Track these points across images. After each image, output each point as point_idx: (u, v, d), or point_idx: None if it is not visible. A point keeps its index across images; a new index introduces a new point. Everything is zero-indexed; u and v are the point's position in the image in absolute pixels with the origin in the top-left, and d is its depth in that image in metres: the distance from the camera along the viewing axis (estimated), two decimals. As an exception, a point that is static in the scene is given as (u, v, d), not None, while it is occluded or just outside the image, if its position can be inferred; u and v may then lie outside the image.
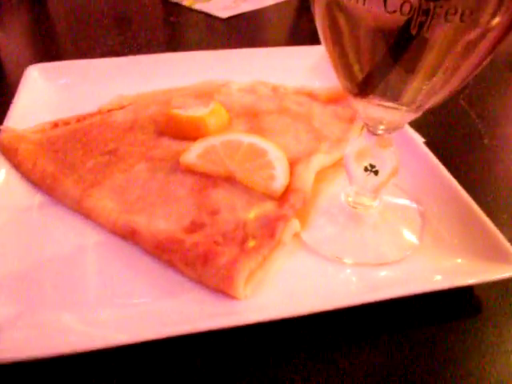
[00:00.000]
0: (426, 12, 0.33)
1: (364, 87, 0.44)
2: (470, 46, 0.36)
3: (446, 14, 0.33)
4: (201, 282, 0.48)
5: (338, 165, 0.65)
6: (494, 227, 0.53)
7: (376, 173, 0.52)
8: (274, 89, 0.82)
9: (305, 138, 0.68)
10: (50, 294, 0.48)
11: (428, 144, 0.68)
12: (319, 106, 0.76)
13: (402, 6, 0.33)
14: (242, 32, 1.19)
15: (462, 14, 0.33)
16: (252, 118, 0.72)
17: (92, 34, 1.13)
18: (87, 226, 0.56)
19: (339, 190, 0.60)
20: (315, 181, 0.60)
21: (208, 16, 1.25)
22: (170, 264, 0.50)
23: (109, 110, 0.75)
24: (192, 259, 0.49)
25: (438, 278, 0.50)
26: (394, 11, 0.34)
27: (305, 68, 0.92)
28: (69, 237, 0.55)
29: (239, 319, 0.44)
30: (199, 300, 0.47)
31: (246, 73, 0.86)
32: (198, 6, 1.30)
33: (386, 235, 0.56)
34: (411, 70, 0.40)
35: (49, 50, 1.07)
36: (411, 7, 0.33)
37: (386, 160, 0.52)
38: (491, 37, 0.35)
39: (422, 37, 0.35)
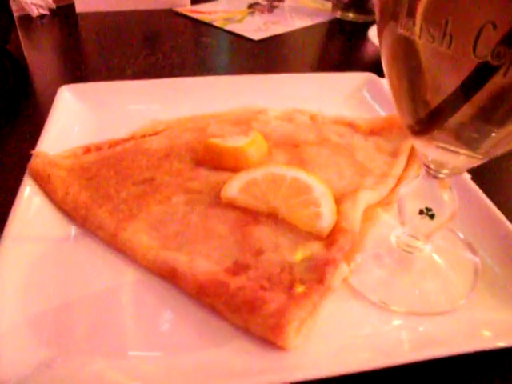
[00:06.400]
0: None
1: (427, 124, 0.41)
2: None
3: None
4: (246, 328, 0.45)
5: (383, 202, 0.62)
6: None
7: (432, 217, 0.49)
8: (312, 117, 0.79)
9: (348, 173, 0.65)
10: (83, 337, 0.45)
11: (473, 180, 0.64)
12: (360, 138, 0.73)
13: (493, 52, 0.30)
14: (273, 54, 1.17)
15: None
16: (292, 149, 0.69)
17: (123, 53, 1.11)
18: (123, 262, 0.53)
19: (387, 231, 0.57)
20: (361, 219, 0.57)
21: (240, 37, 1.23)
22: (213, 308, 0.47)
23: (142, 136, 0.72)
24: (237, 305, 0.46)
25: (496, 334, 0.46)
26: (484, 56, 0.31)
27: (341, 96, 0.89)
28: (104, 274, 0.52)
29: (290, 376, 0.41)
30: (245, 350, 0.44)
31: (280, 99, 0.83)
32: (229, 27, 1.28)
33: (437, 282, 0.53)
34: (481, 113, 0.37)
35: (80, 69, 1.05)
36: (505, 54, 0.30)
37: (445, 204, 0.48)
38: None
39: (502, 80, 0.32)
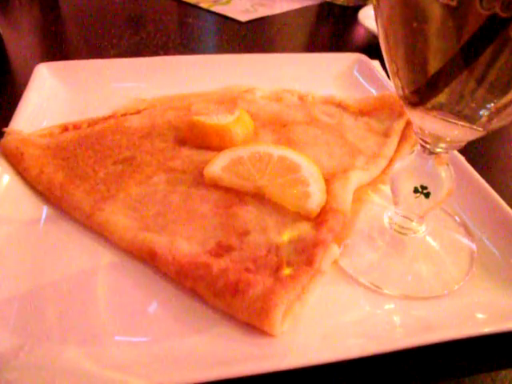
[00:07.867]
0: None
1: (425, 93, 0.38)
2: None
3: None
4: (230, 313, 0.42)
5: (375, 183, 0.59)
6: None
7: (427, 195, 0.46)
8: (301, 97, 0.76)
9: (338, 152, 0.62)
10: (55, 323, 0.42)
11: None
12: (350, 118, 0.70)
13: (503, 2, 0.27)
14: (260, 36, 1.14)
15: None
16: (279, 128, 0.66)
17: (106, 34, 1.07)
18: (99, 244, 0.50)
19: (379, 212, 0.54)
20: (352, 200, 0.54)
21: (226, 19, 1.20)
22: (194, 292, 0.44)
23: (123, 114, 0.69)
24: (221, 288, 0.43)
25: (492, 318, 0.44)
26: (492, 8, 0.28)
27: (331, 76, 0.86)
28: (78, 256, 0.49)
29: (277, 364, 0.38)
30: (228, 336, 0.41)
31: (268, 79, 0.80)
32: (216, 9, 1.25)
33: (432, 265, 0.50)
34: (481, 79, 0.34)
35: (60, 49, 1.01)
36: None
37: (442, 181, 0.46)
38: None
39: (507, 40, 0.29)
